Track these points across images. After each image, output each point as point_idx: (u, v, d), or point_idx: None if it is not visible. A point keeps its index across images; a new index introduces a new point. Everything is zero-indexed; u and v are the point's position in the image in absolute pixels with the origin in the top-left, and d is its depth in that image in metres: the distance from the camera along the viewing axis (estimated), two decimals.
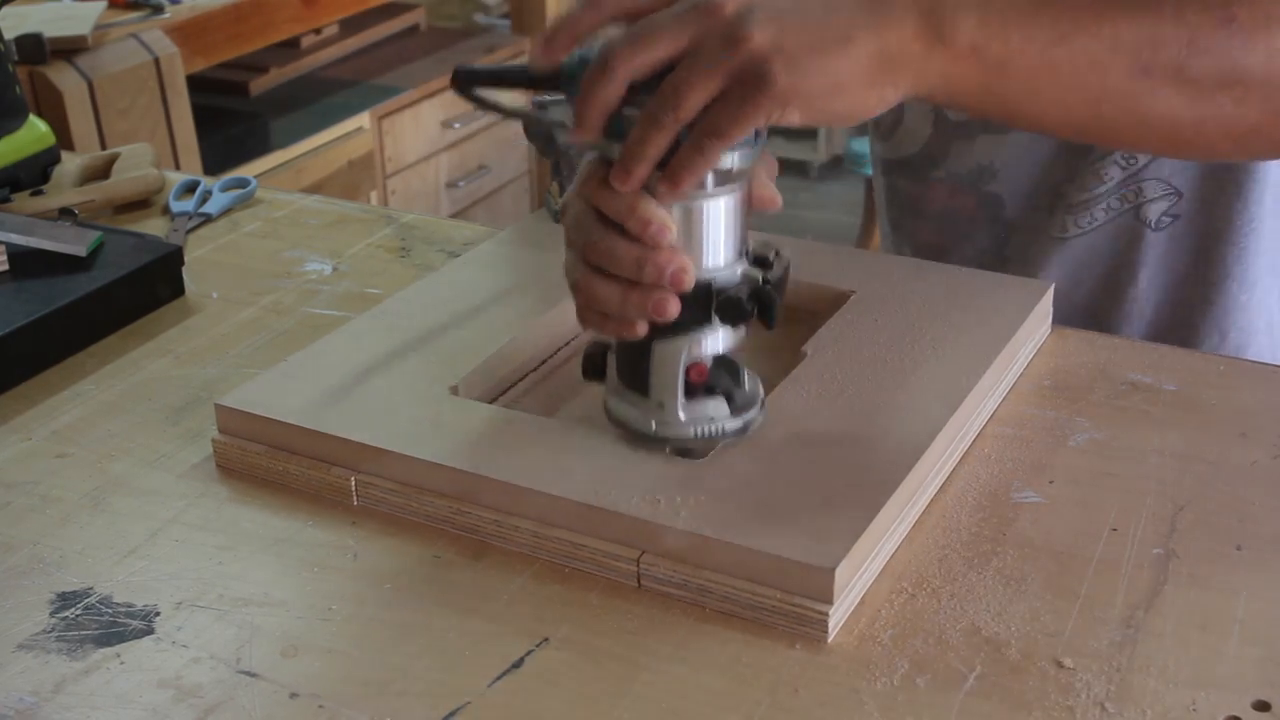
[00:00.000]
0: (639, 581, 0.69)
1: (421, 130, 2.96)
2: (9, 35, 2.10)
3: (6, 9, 2.06)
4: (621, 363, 0.75)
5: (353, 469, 0.76)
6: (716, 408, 0.74)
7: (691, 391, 0.73)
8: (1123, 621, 0.66)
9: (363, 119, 2.80)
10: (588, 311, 0.72)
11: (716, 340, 0.73)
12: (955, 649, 0.64)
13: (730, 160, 0.68)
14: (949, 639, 0.65)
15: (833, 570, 0.65)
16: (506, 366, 0.86)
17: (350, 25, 3.05)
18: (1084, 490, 0.75)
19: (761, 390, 0.77)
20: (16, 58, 2.13)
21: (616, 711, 0.62)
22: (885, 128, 1.06)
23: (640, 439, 0.74)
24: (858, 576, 0.67)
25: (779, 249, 0.73)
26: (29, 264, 0.99)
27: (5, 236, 0.99)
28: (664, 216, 0.68)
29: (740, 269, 0.72)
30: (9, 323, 0.92)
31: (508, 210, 3.22)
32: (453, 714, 0.62)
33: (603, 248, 0.70)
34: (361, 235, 1.12)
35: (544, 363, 0.90)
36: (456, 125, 3.02)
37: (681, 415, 0.73)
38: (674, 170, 0.66)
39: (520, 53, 3.18)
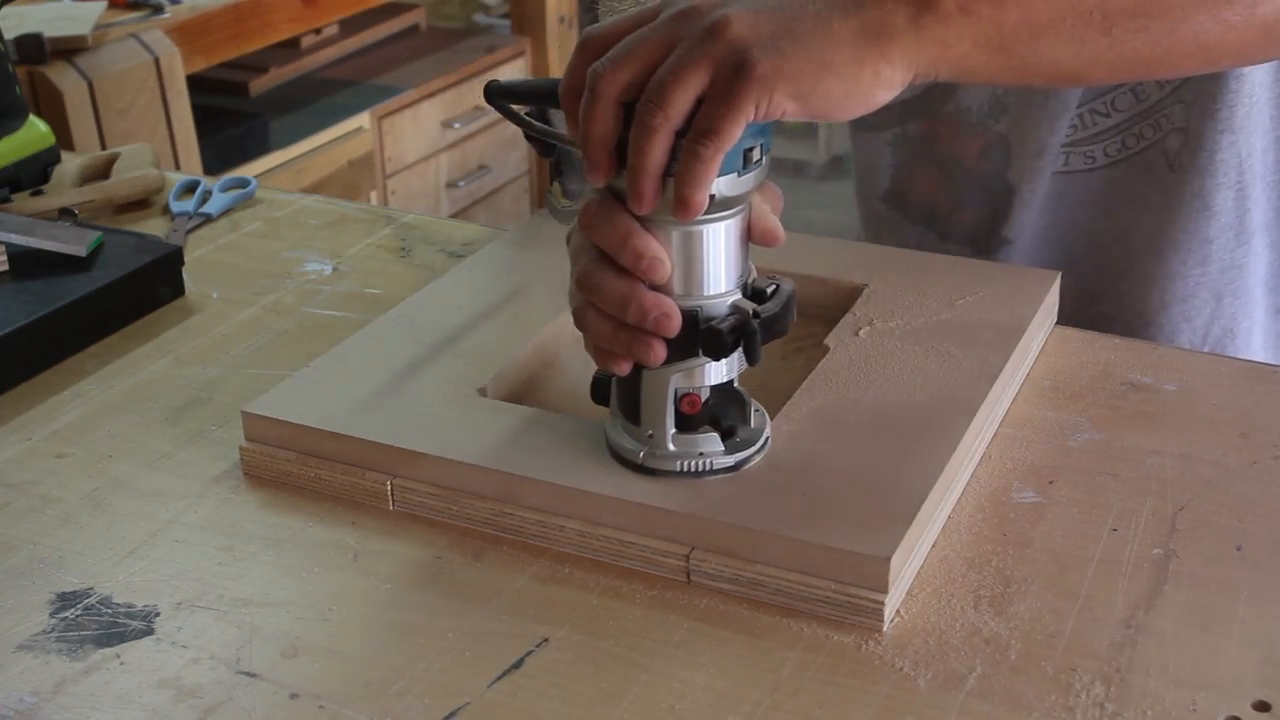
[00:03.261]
0: (688, 577, 0.69)
1: (421, 130, 2.96)
2: (9, 35, 2.11)
3: (6, 9, 2.06)
4: (618, 389, 0.74)
5: (389, 473, 0.76)
6: (708, 442, 0.72)
7: (685, 423, 0.71)
8: (1123, 621, 0.66)
9: (363, 119, 2.80)
10: (586, 340, 0.71)
11: (713, 371, 0.71)
12: (955, 649, 0.64)
13: (720, 187, 0.65)
14: (949, 639, 0.65)
15: (888, 559, 0.65)
16: (532, 367, 0.87)
17: (350, 25, 3.05)
18: (1084, 490, 0.75)
19: (768, 427, 0.74)
20: (16, 58, 2.13)
21: (617, 712, 0.62)
22: None
23: (632, 468, 0.73)
24: (908, 564, 0.68)
25: (781, 282, 0.70)
26: (29, 264, 0.99)
27: (5, 236, 0.99)
28: (657, 250, 0.67)
29: (732, 300, 0.69)
30: (9, 323, 0.91)
31: (508, 210, 3.22)
32: (453, 714, 0.62)
33: (593, 282, 0.68)
34: (361, 235, 1.12)
35: (564, 362, 0.90)
36: (456, 125, 3.02)
37: (670, 447, 0.71)
38: (679, 186, 0.63)
39: (520, 53, 3.18)
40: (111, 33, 2.32)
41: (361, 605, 0.69)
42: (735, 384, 0.73)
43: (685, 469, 0.71)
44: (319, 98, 2.87)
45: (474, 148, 3.10)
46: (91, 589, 0.71)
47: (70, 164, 1.20)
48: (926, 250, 1.02)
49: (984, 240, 1.03)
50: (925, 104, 1.03)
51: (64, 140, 1.93)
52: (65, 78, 2.20)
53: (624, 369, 0.70)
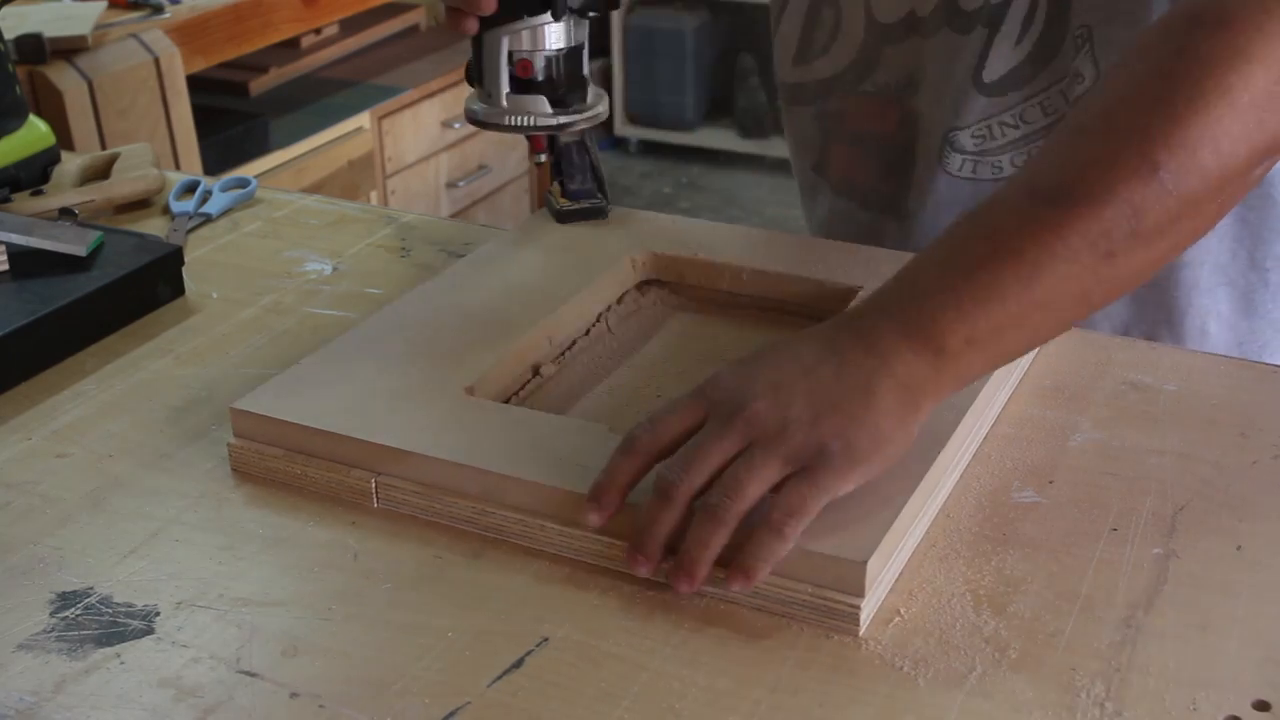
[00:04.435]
0: (667, 579, 0.69)
1: (421, 130, 2.96)
2: (9, 35, 2.11)
3: (6, 9, 2.06)
4: (472, 59, 0.86)
5: (373, 471, 0.76)
6: (537, 104, 0.83)
7: (520, 86, 0.83)
8: (1123, 621, 0.66)
9: (363, 119, 2.80)
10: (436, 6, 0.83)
11: (546, 36, 0.82)
12: (955, 649, 0.64)
13: None
14: (949, 639, 0.65)
15: (864, 564, 0.65)
16: (519, 366, 0.86)
17: (350, 25, 3.05)
18: (1084, 490, 0.75)
19: (603, 105, 0.87)
20: (16, 58, 2.13)
21: (616, 712, 0.62)
22: (824, 39, 1.06)
23: (475, 124, 0.86)
24: (886, 569, 0.67)
25: None
26: (29, 264, 0.99)
27: (5, 236, 0.99)
28: None
29: None
30: (9, 323, 0.91)
31: (508, 210, 3.22)
32: (453, 714, 0.62)
33: None
34: (361, 235, 1.12)
35: (554, 361, 0.90)
36: (456, 125, 3.02)
37: (504, 104, 0.83)
38: (748, 562, 0.65)
39: None
40: (111, 33, 2.32)
41: (361, 605, 0.69)
42: (582, 62, 0.86)
43: (513, 123, 0.84)
44: (319, 98, 2.87)
45: (474, 148, 3.10)
46: (91, 588, 0.71)
47: (70, 164, 1.20)
48: (847, 219, 1.07)
49: (894, 210, 1.06)
50: (844, 83, 1.06)
51: (64, 140, 1.93)
52: (65, 78, 2.20)
53: (469, 26, 0.82)
